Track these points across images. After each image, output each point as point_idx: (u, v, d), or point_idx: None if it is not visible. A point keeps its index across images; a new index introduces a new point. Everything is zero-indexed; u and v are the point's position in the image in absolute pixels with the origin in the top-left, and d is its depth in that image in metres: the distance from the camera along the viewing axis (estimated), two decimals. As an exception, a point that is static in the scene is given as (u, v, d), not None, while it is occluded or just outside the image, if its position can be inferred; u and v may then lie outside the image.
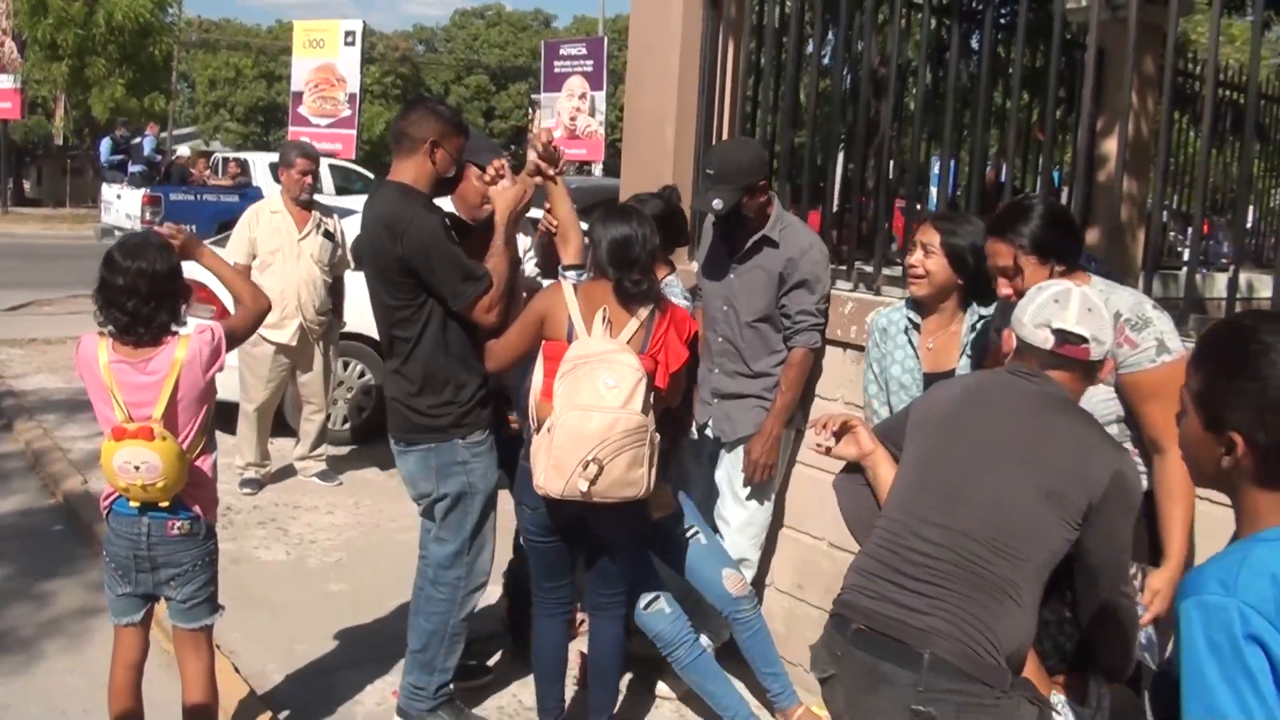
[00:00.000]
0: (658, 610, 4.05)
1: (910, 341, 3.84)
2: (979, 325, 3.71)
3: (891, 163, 5.51)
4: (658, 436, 3.60)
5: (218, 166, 22.35)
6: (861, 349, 4.19)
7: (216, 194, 18.84)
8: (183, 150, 22.78)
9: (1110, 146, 7.33)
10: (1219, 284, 8.41)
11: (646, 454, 3.54)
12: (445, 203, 4.08)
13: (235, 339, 3.58)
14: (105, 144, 22.23)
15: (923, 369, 3.81)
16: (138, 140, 21.43)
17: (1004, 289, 3.14)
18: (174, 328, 3.38)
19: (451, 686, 4.15)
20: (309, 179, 6.81)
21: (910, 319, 3.85)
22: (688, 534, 4.19)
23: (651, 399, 3.59)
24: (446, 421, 3.91)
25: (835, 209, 5.44)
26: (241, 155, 23.14)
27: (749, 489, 4.40)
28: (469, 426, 3.94)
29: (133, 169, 20.19)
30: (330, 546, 6.04)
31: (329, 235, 6.90)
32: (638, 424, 3.49)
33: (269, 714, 4.14)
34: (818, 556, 4.55)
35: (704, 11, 5.29)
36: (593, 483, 3.47)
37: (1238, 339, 1.77)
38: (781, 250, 4.22)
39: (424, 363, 3.89)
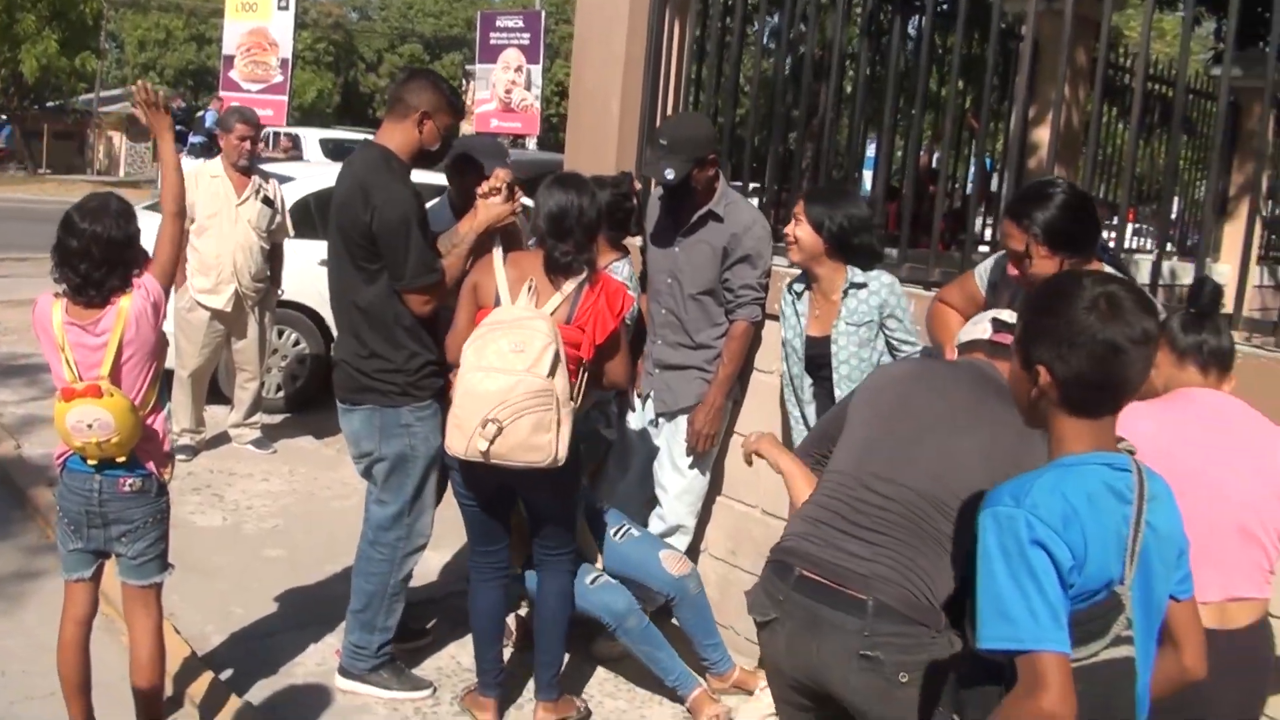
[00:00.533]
0: (605, 583, 4.15)
1: (796, 309, 4.11)
2: (848, 291, 3.95)
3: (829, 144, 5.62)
4: (571, 405, 3.65)
5: (269, 140, 22.21)
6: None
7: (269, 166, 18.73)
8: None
9: (1041, 135, 7.51)
10: (1144, 271, 8.63)
11: (553, 419, 3.57)
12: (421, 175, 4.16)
13: (167, 272, 3.54)
14: None
15: (806, 333, 4.07)
16: (200, 113, 21.51)
17: (1012, 270, 3.16)
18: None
19: (391, 647, 4.22)
20: (247, 144, 6.77)
21: (795, 288, 4.13)
22: (619, 535, 4.31)
23: (566, 367, 3.63)
24: (394, 389, 3.97)
25: (774, 188, 5.55)
26: (294, 130, 23.20)
27: (689, 458, 4.52)
28: (415, 397, 4.00)
29: (193, 139, 20.06)
30: (266, 513, 6.05)
31: (268, 201, 6.86)
32: (540, 387, 3.53)
33: (210, 674, 4.17)
34: (750, 524, 4.68)
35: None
36: (492, 443, 3.53)
37: (1049, 289, 2.07)
38: (726, 225, 4.33)
39: (376, 328, 3.93)
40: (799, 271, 4.17)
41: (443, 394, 4.04)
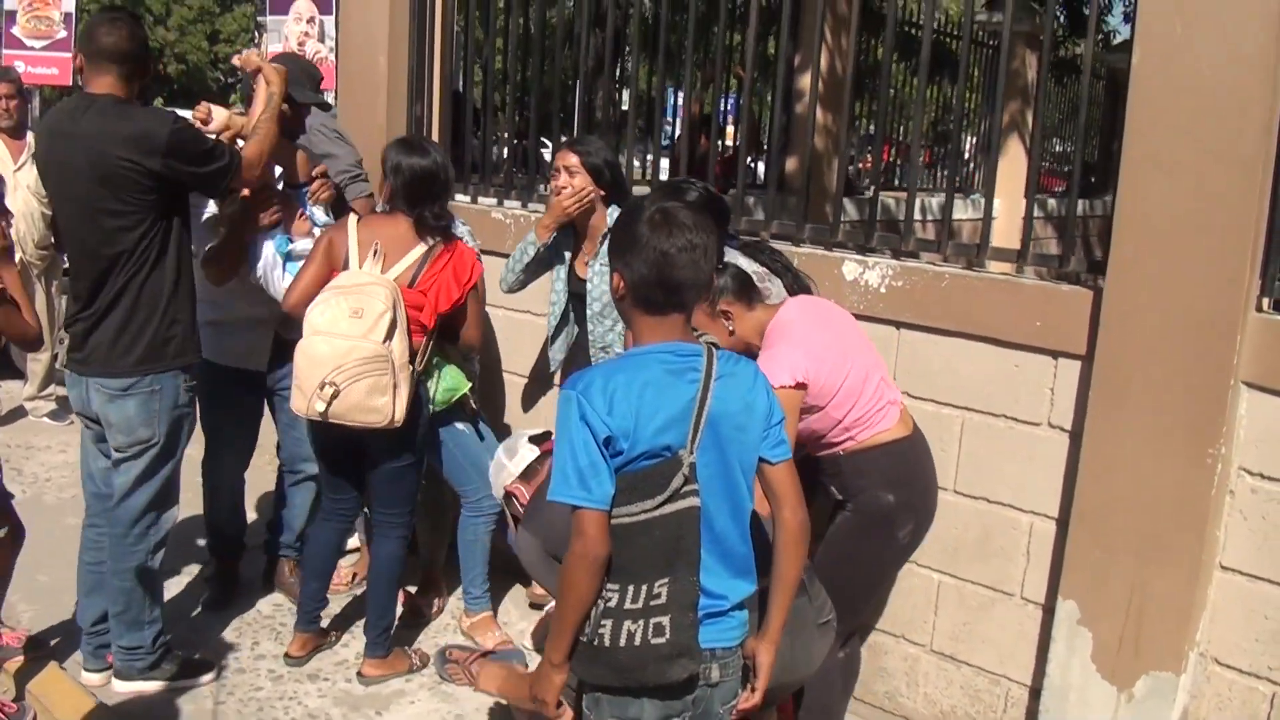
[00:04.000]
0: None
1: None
2: (605, 236, 4.06)
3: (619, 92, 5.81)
4: (410, 369, 3.82)
5: None
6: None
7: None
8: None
9: (807, 81, 7.83)
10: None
11: (390, 383, 3.74)
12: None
13: None
14: None
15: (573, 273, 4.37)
16: None
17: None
18: None
19: (167, 636, 4.12)
20: (5, 103, 6.70)
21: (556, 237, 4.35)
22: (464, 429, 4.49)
23: (409, 330, 3.80)
24: (170, 351, 3.79)
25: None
26: None
27: None
28: (187, 357, 3.86)
29: None
30: (65, 483, 6.05)
31: (45, 164, 6.74)
32: (374, 353, 3.70)
33: (15, 633, 4.25)
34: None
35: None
36: (329, 404, 3.70)
37: (628, 210, 2.49)
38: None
39: (152, 288, 3.74)
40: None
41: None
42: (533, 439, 3.55)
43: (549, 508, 3.04)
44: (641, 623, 2.34)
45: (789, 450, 2.56)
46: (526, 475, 3.42)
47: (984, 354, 3.69)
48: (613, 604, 2.35)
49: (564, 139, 4.68)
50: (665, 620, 2.34)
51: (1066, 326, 3.50)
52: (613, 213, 4.15)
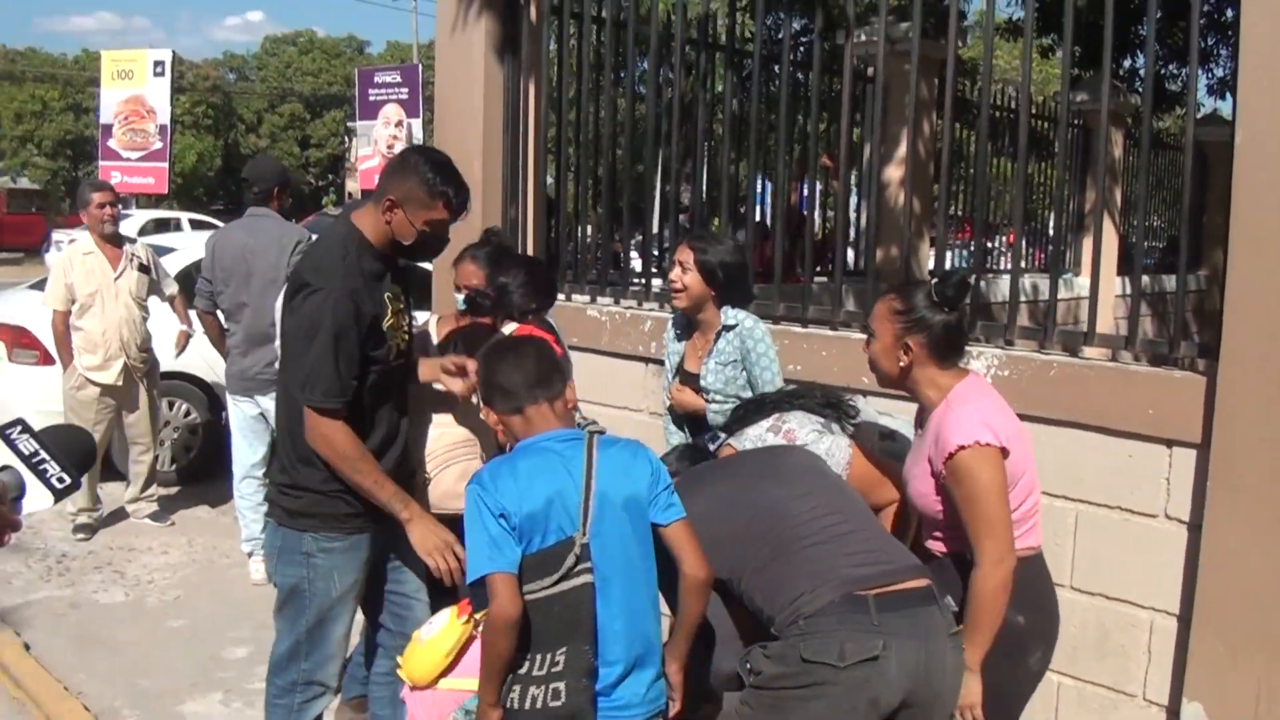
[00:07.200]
0: None
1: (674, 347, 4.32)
2: (720, 334, 4.03)
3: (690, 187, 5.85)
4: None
5: None
6: (661, 363, 4.51)
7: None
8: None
9: (888, 170, 7.86)
10: (1003, 288, 9.01)
11: (477, 467, 3.62)
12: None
13: None
14: None
15: (684, 369, 4.24)
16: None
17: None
18: None
19: None
20: (105, 210, 6.76)
21: (676, 330, 4.31)
22: None
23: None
24: (296, 506, 3.36)
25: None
26: None
27: None
28: (322, 519, 3.35)
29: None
30: (167, 585, 6.11)
31: (144, 269, 6.86)
32: (464, 437, 3.69)
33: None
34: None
35: (503, 57, 5.60)
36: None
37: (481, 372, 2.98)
38: None
39: (293, 434, 3.35)
40: (656, 313, 4.34)
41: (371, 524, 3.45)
42: None
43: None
44: (543, 688, 2.63)
45: (681, 510, 2.76)
46: None
47: (1096, 444, 3.60)
48: (522, 671, 2.65)
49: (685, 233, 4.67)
50: (561, 685, 2.63)
51: (1180, 414, 3.41)
52: (725, 313, 4.04)
